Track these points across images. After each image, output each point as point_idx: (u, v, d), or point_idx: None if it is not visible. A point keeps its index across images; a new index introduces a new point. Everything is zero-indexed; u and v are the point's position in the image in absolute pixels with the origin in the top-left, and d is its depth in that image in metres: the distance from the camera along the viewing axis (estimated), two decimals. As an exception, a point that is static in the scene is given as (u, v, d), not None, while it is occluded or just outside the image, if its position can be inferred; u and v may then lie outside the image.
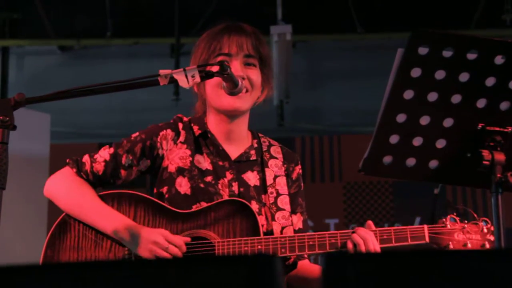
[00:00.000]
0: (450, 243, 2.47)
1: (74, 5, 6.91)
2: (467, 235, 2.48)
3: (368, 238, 2.43)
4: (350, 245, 2.44)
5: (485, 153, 2.17)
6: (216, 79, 2.49)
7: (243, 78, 2.58)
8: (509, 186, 2.16)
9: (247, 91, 2.61)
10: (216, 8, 6.57)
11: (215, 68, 2.34)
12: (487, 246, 2.47)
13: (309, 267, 2.66)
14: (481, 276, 1.26)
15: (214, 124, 2.68)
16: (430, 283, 1.26)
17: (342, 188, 6.76)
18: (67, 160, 2.67)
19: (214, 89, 2.60)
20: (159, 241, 2.42)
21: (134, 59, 7.32)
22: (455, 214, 2.51)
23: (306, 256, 2.69)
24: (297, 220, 2.69)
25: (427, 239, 2.47)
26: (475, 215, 2.50)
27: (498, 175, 2.15)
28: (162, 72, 2.24)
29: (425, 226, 2.48)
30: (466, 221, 2.50)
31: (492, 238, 2.47)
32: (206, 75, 2.30)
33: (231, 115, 2.64)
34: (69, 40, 7.28)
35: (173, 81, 2.24)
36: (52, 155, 6.39)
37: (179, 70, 2.27)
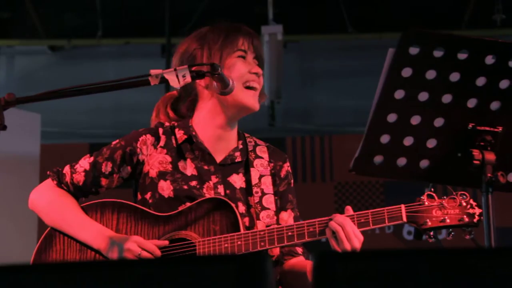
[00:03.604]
0: (428, 220, 2.42)
1: (64, 5, 6.89)
2: (444, 210, 2.42)
3: (345, 224, 2.39)
4: (328, 233, 2.42)
5: (476, 153, 2.18)
6: (238, 72, 2.55)
7: (258, 76, 2.63)
8: (499, 185, 2.17)
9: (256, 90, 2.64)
10: (207, 8, 6.56)
11: (205, 68, 2.34)
12: (466, 219, 2.40)
13: (303, 264, 2.65)
14: (472, 275, 1.27)
15: (203, 125, 2.65)
16: (422, 282, 1.26)
17: (333, 188, 6.76)
18: (48, 172, 2.67)
19: (236, 83, 2.54)
20: (132, 248, 2.44)
21: (124, 59, 7.31)
22: (432, 190, 2.47)
23: (300, 252, 2.69)
24: (288, 217, 2.67)
25: (404, 219, 2.42)
26: (452, 191, 2.47)
27: (489, 175, 2.16)
28: (153, 72, 2.24)
29: (402, 206, 2.44)
30: (444, 197, 2.47)
31: (471, 211, 2.41)
32: (197, 75, 2.30)
33: (240, 115, 2.65)
34: (60, 40, 7.26)
35: (164, 81, 2.24)
36: (42, 155, 6.37)
37: (170, 70, 2.26)
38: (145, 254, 2.43)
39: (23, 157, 6.26)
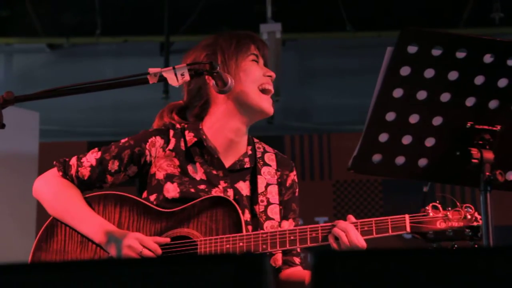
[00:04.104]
0: (432, 231, 2.41)
1: (63, 3, 6.88)
2: (448, 223, 2.42)
3: (349, 230, 2.39)
4: (331, 239, 2.43)
5: (474, 152, 2.18)
6: (254, 74, 2.59)
7: (272, 79, 2.66)
8: (497, 184, 2.17)
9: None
10: (206, 6, 6.56)
11: (204, 67, 2.34)
12: (470, 233, 2.39)
13: (300, 273, 2.64)
14: (471, 274, 1.27)
15: (216, 129, 2.64)
16: (421, 282, 1.26)
17: (332, 186, 6.76)
18: (54, 162, 2.66)
19: (253, 86, 2.62)
20: (133, 245, 2.44)
21: (123, 57, 7.30)
22: (437, 201, 2.47)
23: (298, 263, 2.68)
24: (289, 226, 2.66)
25: (408, 229, 2.41)
26: (457, 202, 2.46)
27: (487, 174, 2.16)
28: (152, 70, 2.24)
29: (406, 216, 2.43)
30: (449, 208, 2.46)
31: (475, 224, 2.40)
32: (195, 73, 2.30)
33: (255, 119, 2.66)
34: (58, 38, 7.24)
35: (162, 80, 2.24)
36: (41, 153, 6.36)
37: (168, 68, 2.26)
38: (146, 252, 2.43)
39: (22, 155, 6.25)
